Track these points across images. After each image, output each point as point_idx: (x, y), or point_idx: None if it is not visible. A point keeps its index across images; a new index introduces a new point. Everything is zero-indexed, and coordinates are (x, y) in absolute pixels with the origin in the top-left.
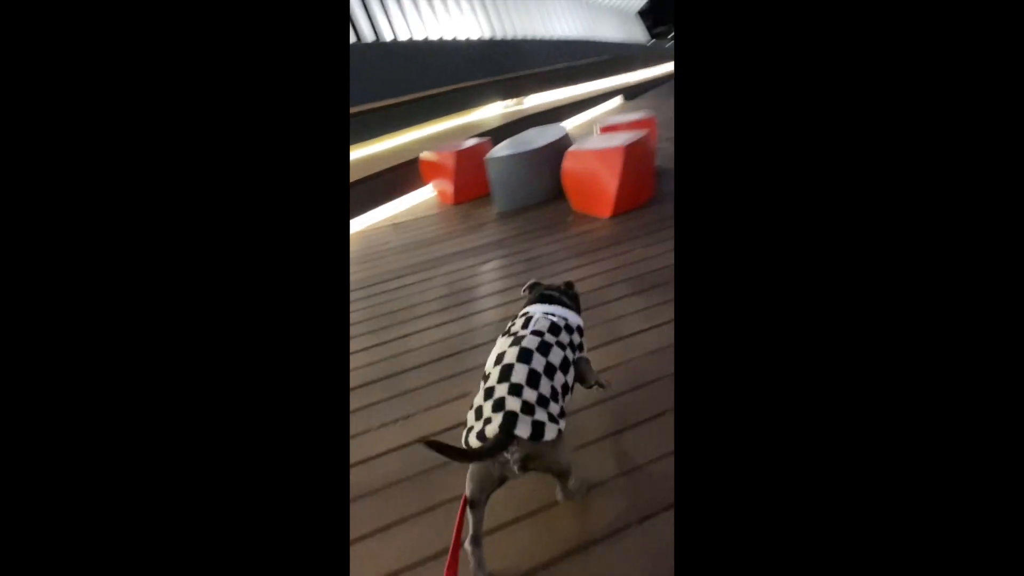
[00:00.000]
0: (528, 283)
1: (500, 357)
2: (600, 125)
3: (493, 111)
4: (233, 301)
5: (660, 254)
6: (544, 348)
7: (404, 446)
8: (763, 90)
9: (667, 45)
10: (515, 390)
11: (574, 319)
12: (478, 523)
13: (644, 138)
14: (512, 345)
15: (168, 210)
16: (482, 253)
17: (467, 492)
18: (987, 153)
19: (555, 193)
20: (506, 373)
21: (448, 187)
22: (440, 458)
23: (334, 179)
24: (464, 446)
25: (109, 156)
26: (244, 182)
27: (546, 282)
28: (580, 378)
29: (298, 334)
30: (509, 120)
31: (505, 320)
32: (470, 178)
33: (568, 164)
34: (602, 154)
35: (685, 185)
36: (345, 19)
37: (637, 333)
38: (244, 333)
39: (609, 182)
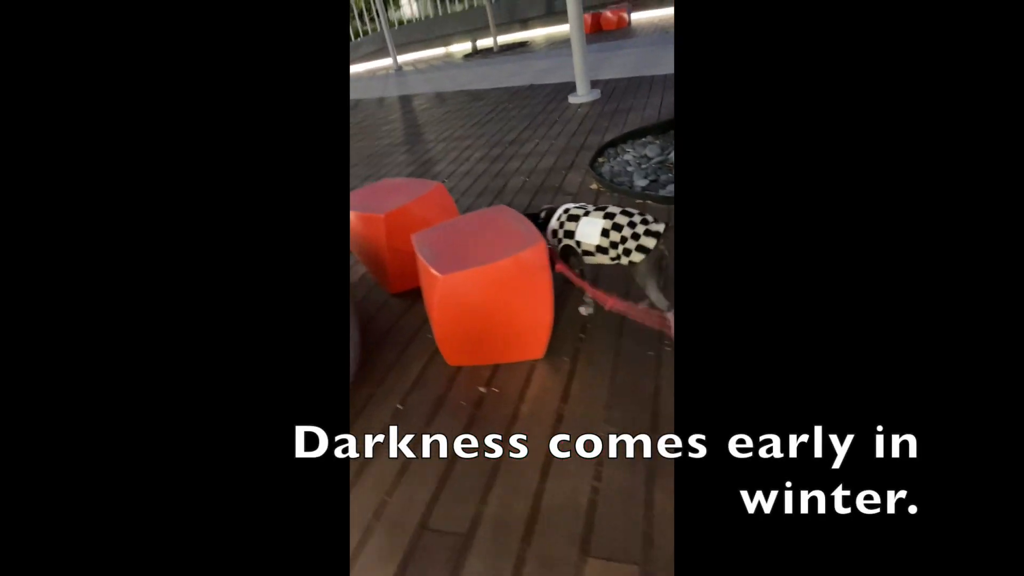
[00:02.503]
0: (544, 210)
1: (611, 214)
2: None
3: None
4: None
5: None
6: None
7: None
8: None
9: None
10: (642, 214)
11: None
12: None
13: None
14: (605, 207)
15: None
16: None
17: (651, 275)
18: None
19: None
20: (629, 212)
21: None
22: None
23: (333, 176)
24: (636, 252)
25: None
26: (244, 182)
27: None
28: None
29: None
30: None
31: None
32: None
33: (446, 286)
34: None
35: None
36: (345, 18)
37: None
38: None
39: (541, 298)
